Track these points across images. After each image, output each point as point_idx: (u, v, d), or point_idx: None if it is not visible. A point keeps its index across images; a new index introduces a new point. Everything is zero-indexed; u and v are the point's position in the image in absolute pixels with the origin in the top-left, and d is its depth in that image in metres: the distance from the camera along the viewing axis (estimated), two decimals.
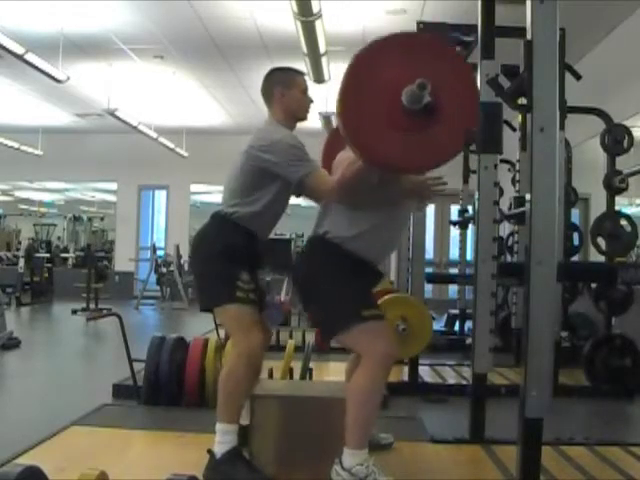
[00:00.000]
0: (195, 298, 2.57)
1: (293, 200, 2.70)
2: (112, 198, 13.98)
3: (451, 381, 4.71)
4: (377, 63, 2.07)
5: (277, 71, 2.69)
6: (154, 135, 10.43)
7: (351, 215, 2.44)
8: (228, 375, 2.43)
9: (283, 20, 6.10)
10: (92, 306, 8.94)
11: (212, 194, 16.18)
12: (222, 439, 2.38)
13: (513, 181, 5.18)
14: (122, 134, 10.93)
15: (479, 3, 3.08)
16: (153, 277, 11.06)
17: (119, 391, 3.97)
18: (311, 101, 2.67)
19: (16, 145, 11.02)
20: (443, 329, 7.29)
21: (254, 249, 2.58)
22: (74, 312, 8.50)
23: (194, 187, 13.18)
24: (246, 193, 2.53)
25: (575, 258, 5.55)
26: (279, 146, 2.46)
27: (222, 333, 4.18)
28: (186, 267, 11.24)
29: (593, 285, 4.90)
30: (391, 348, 2.32)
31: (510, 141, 4.43)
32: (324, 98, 8.44)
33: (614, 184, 4.61)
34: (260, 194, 2.52)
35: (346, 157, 2.35)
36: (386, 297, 3.58)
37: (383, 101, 2.05)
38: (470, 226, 6.53)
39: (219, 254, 2.50)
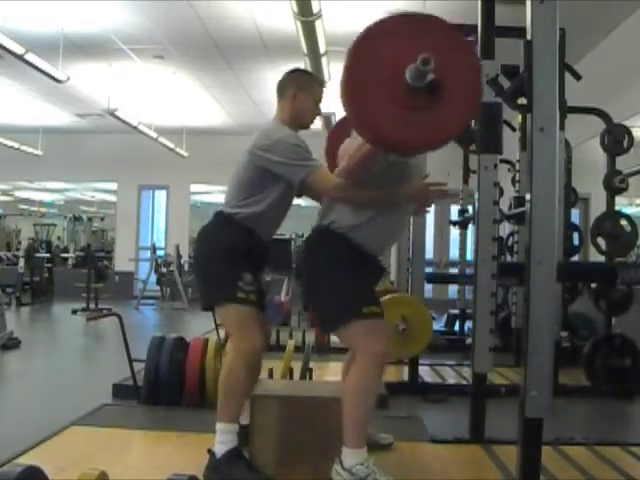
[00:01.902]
0: (196, 297, 2.59)
1: (293, 200, 2.69)
2: (112, 198, 13.98)
3: (451, 381, 4.71)
4: (380, 41, 2.05)
5: (299, 72, 2.69)
6: (154, 135, 10.43)
7: (354, 204, 2.43)
8: (228, 375, 2.42)
9: (283, 20, 6.10)
10: (92, 306, 8.95)
11: (212, 194, 16.21)
12: (222, 439, 2.38)
13: (513, 181, 5.18)
14: (122, 134, 10.93)
15: (479, 3, 3.08)
16: (153, 277, 11.06)
17: (119, 391, 3.97)
18: (319, 113, 2.66)
19: (16, 145, 11.02)
20: (443, 329, 7.29)
21: (257, 250, 2.57)
22: (74, 312, 8.50)
23: (194, 187, 13.18)
24: (249, 193, 2.52)
25: (575, 258, 5.55)
26: (280, 145, 2.44)
27: (222, 333, 4.18)
28: (186, 267, 11.26)
29: (593, 285, 4.90)
30: (383, 347, 2.31)
31: (510, 141, 4.43)
32: (324, 98, 8.46)
33: (614, 184, 4.61)
34: (263, 194, 2.51)
35: (351, 145, 2.34)
36: (386, 297, 3.58)
37: (387, 78, 2.02)
38: (470, 226, 6.53)
39: (221, 254, 2.49)
